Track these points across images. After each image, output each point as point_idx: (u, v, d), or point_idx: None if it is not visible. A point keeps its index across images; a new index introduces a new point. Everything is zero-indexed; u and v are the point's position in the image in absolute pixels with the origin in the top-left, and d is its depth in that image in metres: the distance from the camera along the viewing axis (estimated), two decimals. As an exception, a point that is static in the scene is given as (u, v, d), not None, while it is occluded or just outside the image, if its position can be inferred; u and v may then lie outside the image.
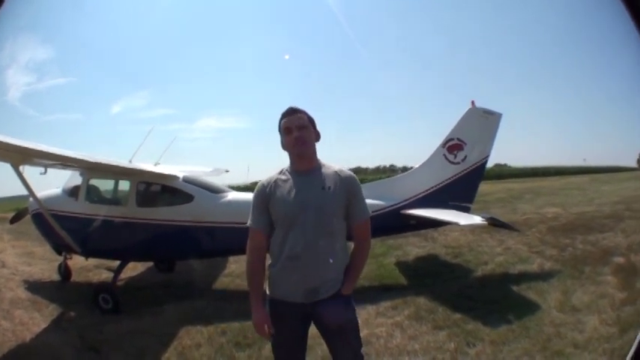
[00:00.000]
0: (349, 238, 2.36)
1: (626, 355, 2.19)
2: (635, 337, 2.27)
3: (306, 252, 2.16)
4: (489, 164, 7.25)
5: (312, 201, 2.19)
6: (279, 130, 2.32)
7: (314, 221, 2.17)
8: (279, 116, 2.34)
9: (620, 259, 6.79)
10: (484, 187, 21.31)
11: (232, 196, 6.37)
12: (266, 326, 2.22)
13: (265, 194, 2.28)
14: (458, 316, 4.81)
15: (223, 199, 6.24)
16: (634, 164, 46.38)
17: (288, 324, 2.26)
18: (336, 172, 2.29)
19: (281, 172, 2.33)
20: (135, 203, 6.14)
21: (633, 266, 6.45)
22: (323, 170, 2.30)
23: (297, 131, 2.24)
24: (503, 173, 34.06)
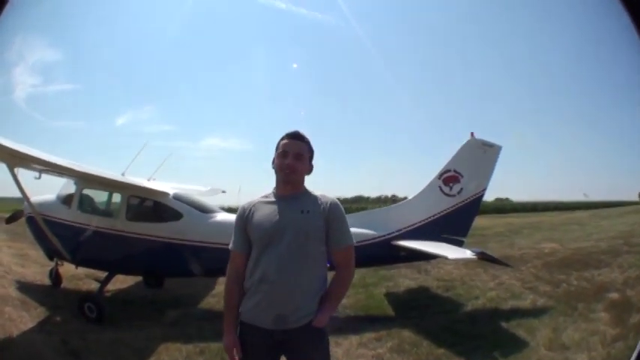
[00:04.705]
0: (332, 267, 2.26)
1: None
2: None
3: (278, 275, 2.08)
4: (490, 198, 7.20)
5: (290, 223, 2.13)
6: (276, 148, 2.28)
7: (290, 244, 2.10)
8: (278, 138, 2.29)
9: (614, 295, 6.64)
10: (483, 221, 21.22)
11: (221, 217, 6.35)
12: (235, 350, 2.16)
13: (244, 217, 2.26)
14: (441, 351, 4.72)
15: (212, 219, 6.23)
16: (636, 198, 45.76)
17: (256, 350, 2.16)
18: (317, 197, 2.26)
19: (264, 196, 2.31)
20: (125, 216, 6.16)
21: (628, 301, 6.28)
22: (305, 195, 2.27)
23: (292, 159, 2.21)
24: (505, 207, 33.54)
